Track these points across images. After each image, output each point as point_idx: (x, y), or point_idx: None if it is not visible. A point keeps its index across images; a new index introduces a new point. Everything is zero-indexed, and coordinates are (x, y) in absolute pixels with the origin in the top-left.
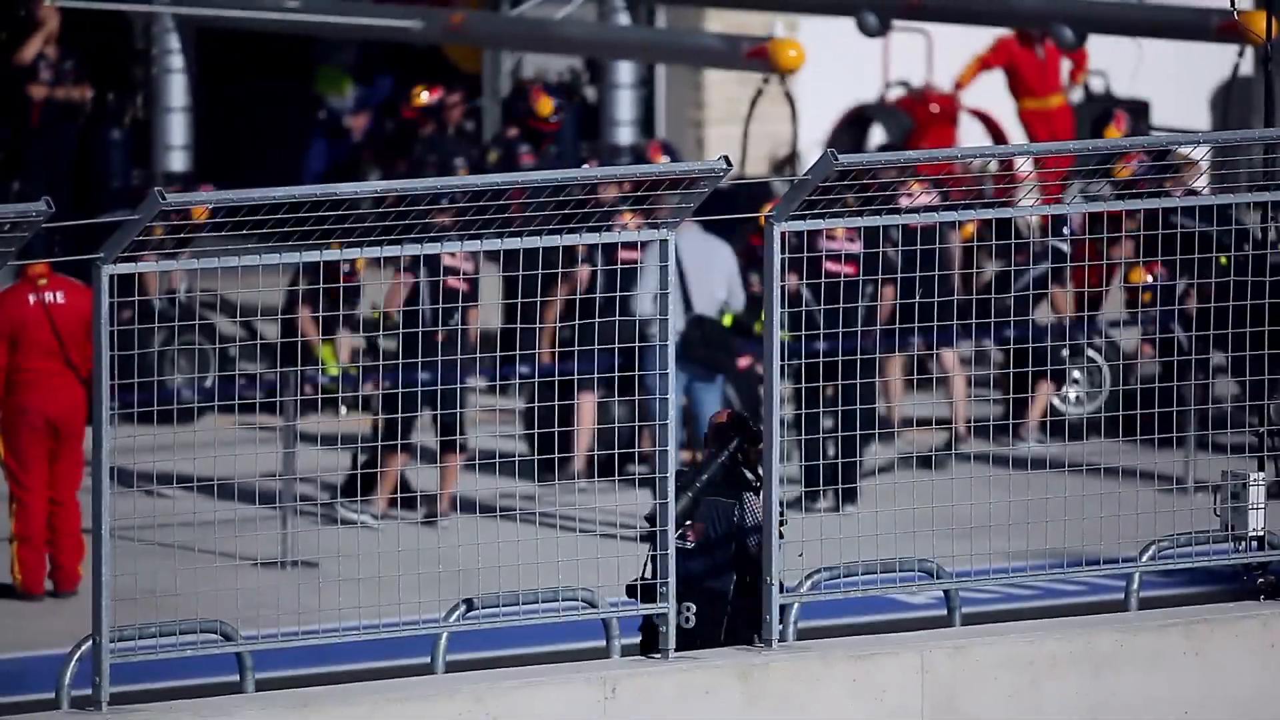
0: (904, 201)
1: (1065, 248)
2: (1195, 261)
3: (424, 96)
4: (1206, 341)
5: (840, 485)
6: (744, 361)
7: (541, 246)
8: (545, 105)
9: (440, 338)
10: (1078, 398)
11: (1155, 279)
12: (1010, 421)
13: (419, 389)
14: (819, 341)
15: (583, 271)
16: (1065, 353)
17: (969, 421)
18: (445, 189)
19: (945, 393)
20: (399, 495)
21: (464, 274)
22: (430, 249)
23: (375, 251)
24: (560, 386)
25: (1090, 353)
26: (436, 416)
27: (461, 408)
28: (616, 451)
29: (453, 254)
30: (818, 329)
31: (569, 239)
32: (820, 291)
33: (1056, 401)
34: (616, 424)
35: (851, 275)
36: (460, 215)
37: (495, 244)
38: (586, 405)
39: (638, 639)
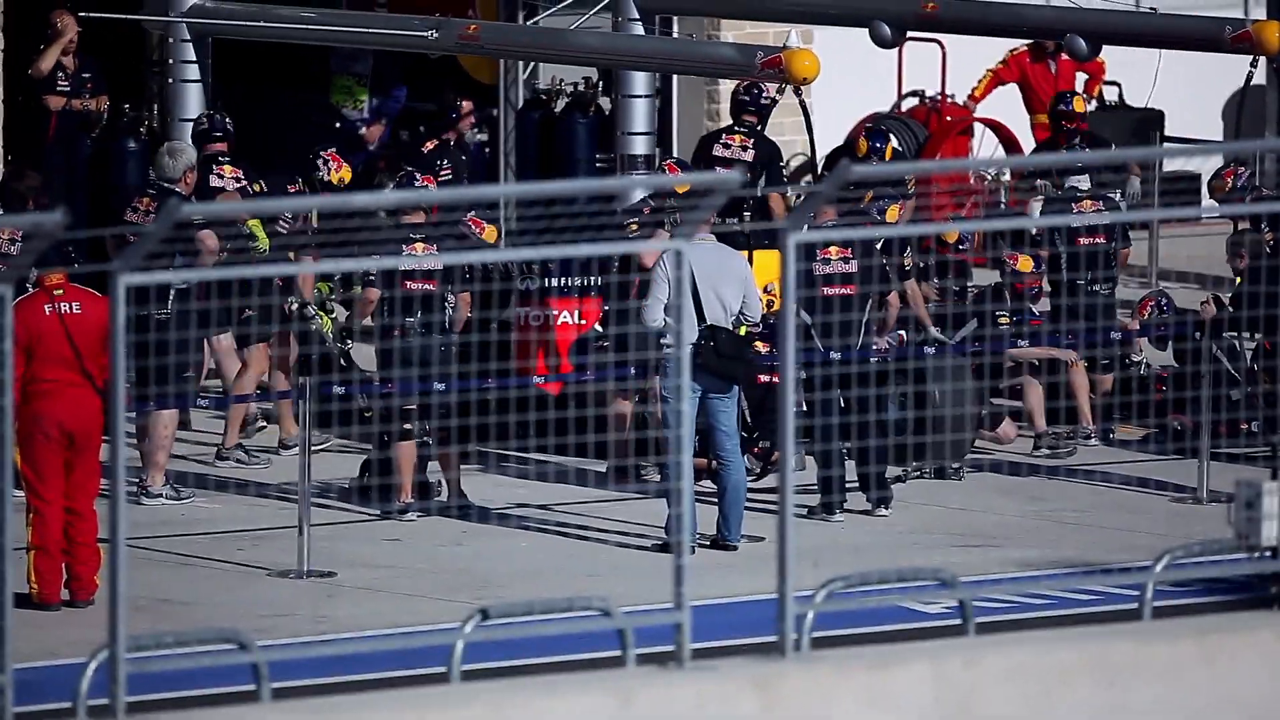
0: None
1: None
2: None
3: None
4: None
5: (877, 490)
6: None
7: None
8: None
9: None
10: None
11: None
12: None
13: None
14: (831, 351)
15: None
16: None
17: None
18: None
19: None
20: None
21: (426, 272)
22: (394, 260)
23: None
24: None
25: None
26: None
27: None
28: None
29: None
30: (823, 341)
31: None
32: (819, 310)
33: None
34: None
35: (849, 294)
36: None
37: (495, 255)
38: (622, 405)
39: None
